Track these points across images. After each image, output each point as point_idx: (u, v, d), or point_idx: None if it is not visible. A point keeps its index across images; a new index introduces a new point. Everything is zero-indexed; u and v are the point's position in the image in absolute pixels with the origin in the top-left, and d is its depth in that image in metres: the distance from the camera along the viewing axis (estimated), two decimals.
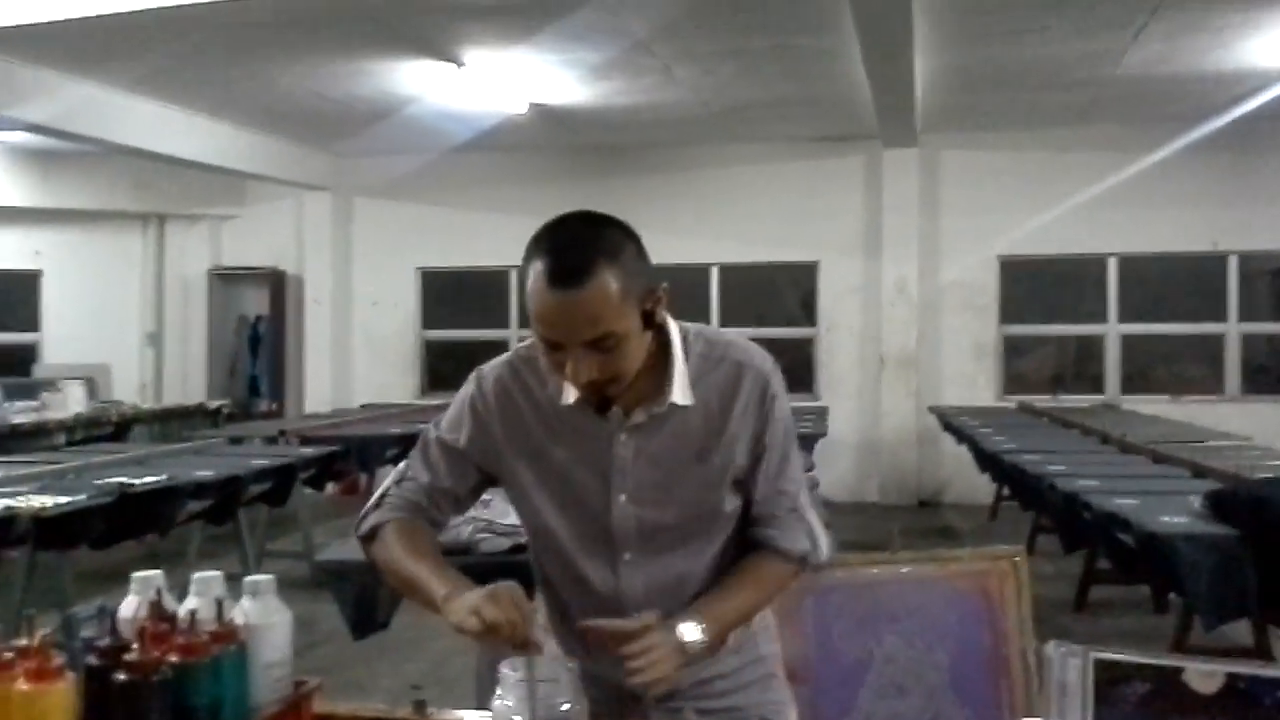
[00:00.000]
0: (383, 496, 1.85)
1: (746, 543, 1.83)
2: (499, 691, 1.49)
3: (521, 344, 1.84)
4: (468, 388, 1.85)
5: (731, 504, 1.79)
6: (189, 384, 12.13)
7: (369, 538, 1.83)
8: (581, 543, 1.79)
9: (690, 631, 1.64)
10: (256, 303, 12.26)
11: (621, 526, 1.76)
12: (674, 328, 1.77)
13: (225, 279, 12.22)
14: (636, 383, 1.72)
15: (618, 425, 1.75)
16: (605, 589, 1.78)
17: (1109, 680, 1.35)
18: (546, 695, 1.47)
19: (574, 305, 1.56)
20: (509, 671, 1.49)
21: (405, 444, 8.44)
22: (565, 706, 1.47)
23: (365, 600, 3.39)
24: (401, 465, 1.89)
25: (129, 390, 11.85)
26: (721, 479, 1.76)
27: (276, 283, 11.98)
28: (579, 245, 1.60)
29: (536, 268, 1.60)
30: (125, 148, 9.06)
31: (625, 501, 1.76)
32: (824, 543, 1.85)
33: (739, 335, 1.85)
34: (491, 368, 1.85)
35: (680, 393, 1.74)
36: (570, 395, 1.74)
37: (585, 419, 1.76)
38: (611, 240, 1.62)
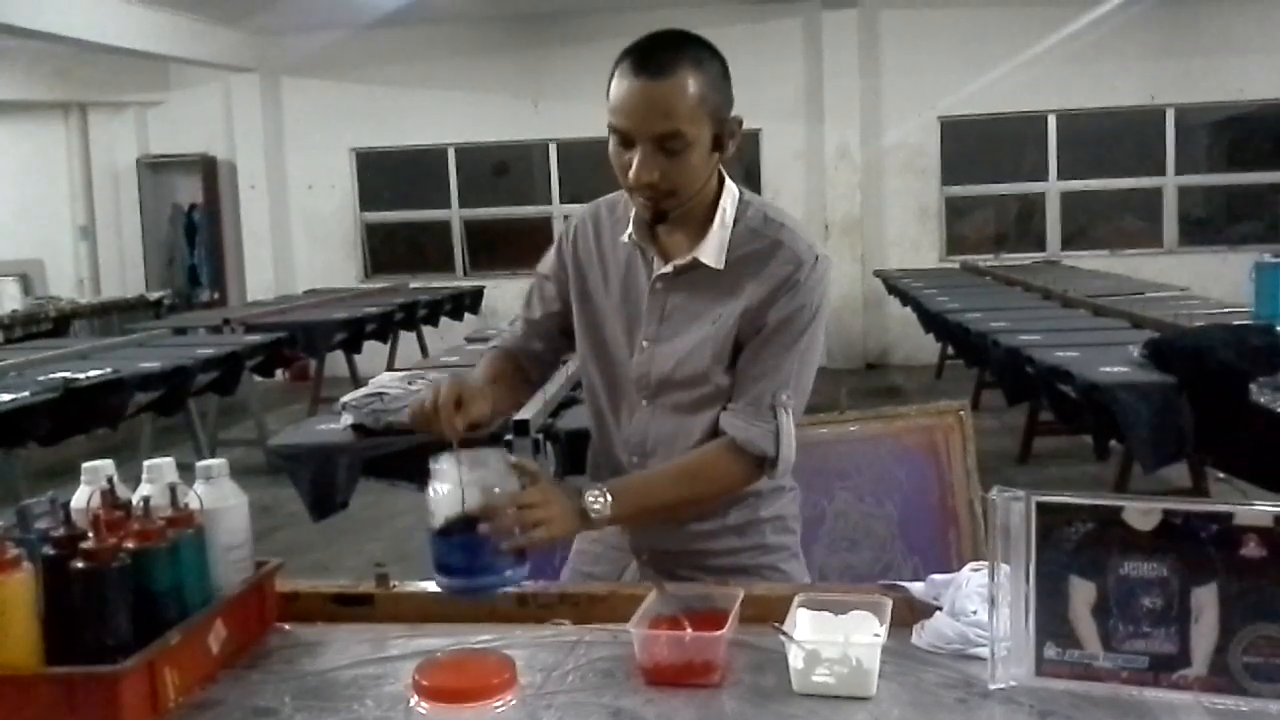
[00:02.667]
0: (497, 334, 2.02)
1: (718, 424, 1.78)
2: (431, 483, 1.52)
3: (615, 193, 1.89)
4: (559, 241, 1.95)
5: (723, 371, 1.78)
6: (127, 277, 11.89)
7: None
8: (609, 386, 1.88)
9: (594, 501, 1.65)
10: (189, 191, 11.96)
11: (638, 371, 1.82)
12: (733, 191, 1.80)
13: (155, 167, 11.88)
14: (683, 235, 1.78)
15: (656, 272, 1.80)
16: (619, 434, 1.86)
17: (1051, 522, 1.39)
18: (479, 480, 1.51)
19: (651, 94, 1.62)
20: (439, 464, 1.52)
21: (352, 328, 8.38)
22: (497, 489, 1.52)
23: (322, 481, 3.40)
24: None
25: (65, 285, 11.61)
26: (717, 343, 1.76)
27: (208, 170, 11.67)
28: (668, 45, 1.66)
29: (623, 63, 1.65)
30: (37, 33, 8.67)
31: (646, 348, 1.81)
32: (788, 455, 1.75)
33: (803, 225, 1.85)
34: (582, 209, 1.95)
35: (710, 253, 1.76)
36: (628, 233, 1.81)
37: (635, 262, 1.83)
38: (700, 52, 1.68)
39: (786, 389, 1.74)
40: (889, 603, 1.50)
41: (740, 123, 1.74)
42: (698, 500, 1.79)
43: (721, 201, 1.78)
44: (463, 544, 1.51)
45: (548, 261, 1.95)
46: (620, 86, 1.64)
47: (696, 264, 1.76)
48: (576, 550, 1.91)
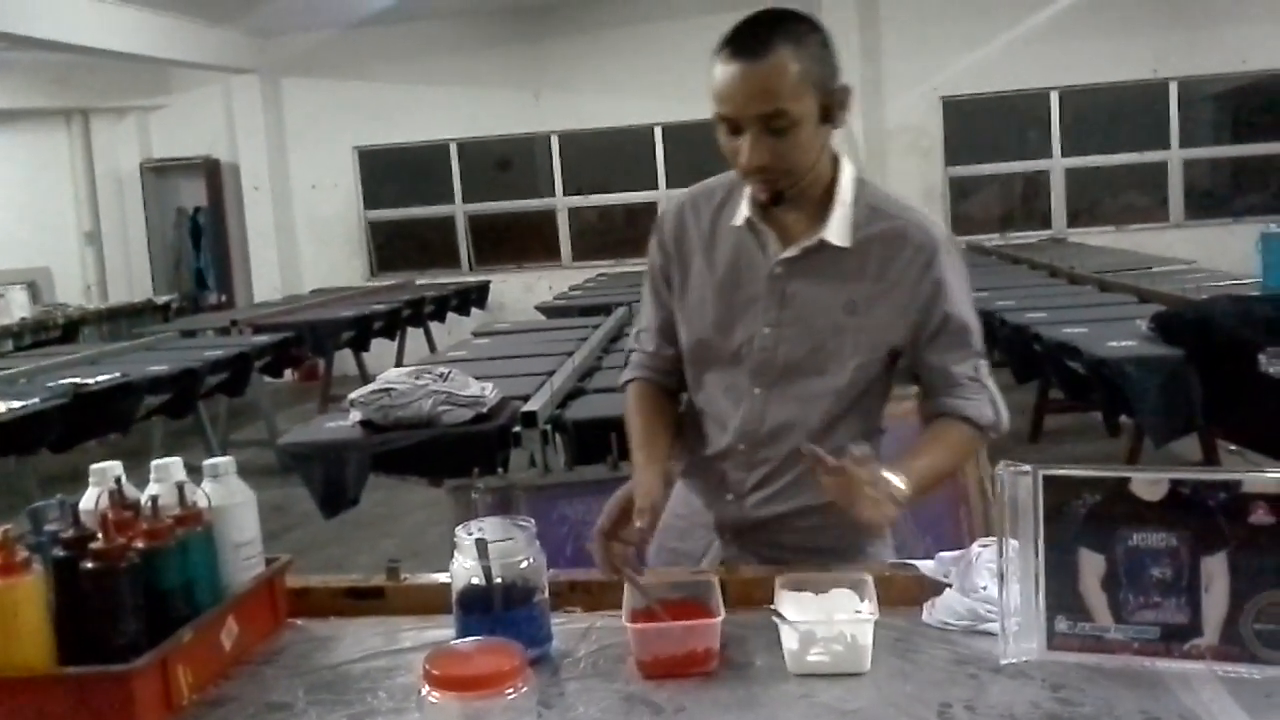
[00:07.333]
0: (629, 353, 1.97)
1: (930, 412, 1.79)
2: (456, 554, 1.49)
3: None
4: (654, 232, 1.90)
5: (859, 364, 1.74)
6: (134, 281, 11.92)
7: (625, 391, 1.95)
8: (719, 371, 1.81)
9: (898, 483, 1.57)
10: (193, 194, 11.96)
11: (759, 359, 1.76)
12: (849, 169, 1.75)
13: (158, 172, 11.90)
14: (800, 215, 1.73)
15: (774, 256, 1.74)
16: (730, 420, 1.80)
17: (1059, 495, 1.39)
18: (504, 554, 1.47)
19: (750, 76, 1.59)
20: (463, 534, 1.50)
21: (359, 326, 8.39)
22: (524, 564, 1.49)
23: (333, 478, 3.41)
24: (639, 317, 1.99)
25: (73, 292, 11.64)
26: (858, 337, 1.73)
27: (212, 172, 11.68)
28: (762, 25, 1.63)
29: (721, 50, 1.63)
30: (36, 41, 8.69)
31: (768, 334, 1.75)
32: (1004, 413, 1.79)
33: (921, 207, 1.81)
34: (669, 203, 1.91)
35: (836, 232, 1.71)
36: (740, 216, 1.76)
37: (747, 246, 1.77)
38: (796, 27, 1.64)
39: (979, 356, 1.79)
40: (870, 579, 1.49)
41: (849, 91, 1.67)
42: (951, 473, 1.83)
43: (840, 178, 1.72)
44: (487, 622, 1.44)
45: (652, 260, 1.89)
46: (720, 73, 1.61)
47: (823, 245, 1.71)
48: (665, 525, 1.83)
